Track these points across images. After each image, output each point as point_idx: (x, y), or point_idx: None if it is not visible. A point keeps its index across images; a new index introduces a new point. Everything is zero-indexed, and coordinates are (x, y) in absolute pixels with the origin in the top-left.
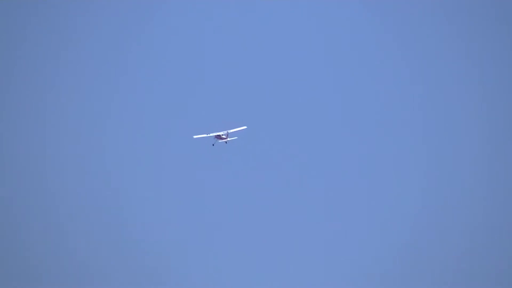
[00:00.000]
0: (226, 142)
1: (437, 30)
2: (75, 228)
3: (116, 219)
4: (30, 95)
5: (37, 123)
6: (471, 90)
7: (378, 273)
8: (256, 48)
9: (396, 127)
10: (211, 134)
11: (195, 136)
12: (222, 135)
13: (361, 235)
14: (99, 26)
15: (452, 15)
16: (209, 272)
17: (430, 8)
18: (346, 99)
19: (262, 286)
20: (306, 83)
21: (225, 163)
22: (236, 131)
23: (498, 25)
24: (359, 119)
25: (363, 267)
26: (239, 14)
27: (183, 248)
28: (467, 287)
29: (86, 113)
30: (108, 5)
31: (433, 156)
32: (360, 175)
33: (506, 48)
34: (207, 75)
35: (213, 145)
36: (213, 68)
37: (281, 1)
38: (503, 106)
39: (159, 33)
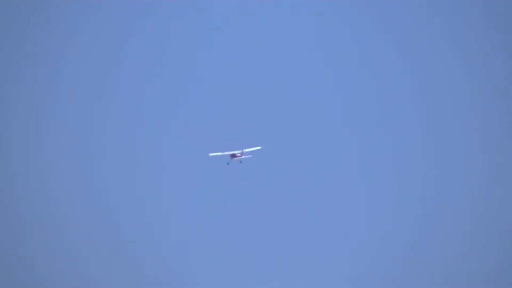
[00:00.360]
0: (240, 161)
1: (437, 30)
2: (76, 231)
3: (124, 230)
4: (29, 96)
5: (36, 125)
6: (471, 90)
7: (380, 275)
8: (267, 65)
9: (405, 130)
10: (226, 153)
11: (210, 154)
12: (237, 153)
13: (365, 239)
14: (103, 29)
15: (452, 15)
16: (211, 279)
17: (430, 8)
18: (359, 116)
19: None
20: (317, 100)
21: (238, 179)
22: (251, 151)
23: (498, 25)
24: (375, 135)
25: (365, 269)
26: (257, 29)
27: (186, 256)
28: (468, 287)
29: (101, 130)
30: (113, 10)
31: (433, 156)
32: (373, 187)
33: (506, 49)
34: (225, 94)
35: (228, 163)
36: (230, 87)
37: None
38: (503, 106)
39: (173, 49)
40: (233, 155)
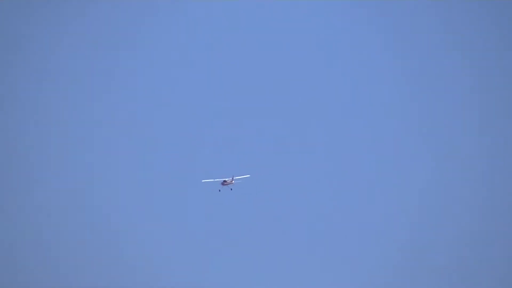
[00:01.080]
0: (231, 189)
1: (438, 31)
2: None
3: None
4: (31, 98)
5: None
6: (474, 90)
7: (383, 278)
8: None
9: (410, 138)
10: (217, 179)
11: (203, 180)
12: (228, 180)
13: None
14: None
15: (452, 17)
16: None
17: (431, 10)
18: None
19: None
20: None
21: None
22: (241, 178)
23: (498, 26)
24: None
25: (368, 273)
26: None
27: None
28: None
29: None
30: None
31: (435, 159)
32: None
33: (506, 49)
34: (219, 124)
35: (219, 190)
36: (222, 117)
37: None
38: (506, 107)
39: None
40: (224, 182)
